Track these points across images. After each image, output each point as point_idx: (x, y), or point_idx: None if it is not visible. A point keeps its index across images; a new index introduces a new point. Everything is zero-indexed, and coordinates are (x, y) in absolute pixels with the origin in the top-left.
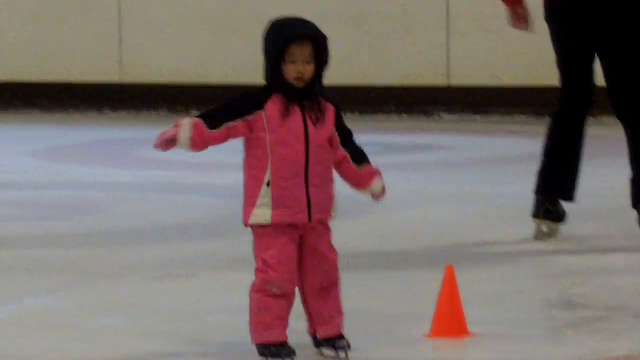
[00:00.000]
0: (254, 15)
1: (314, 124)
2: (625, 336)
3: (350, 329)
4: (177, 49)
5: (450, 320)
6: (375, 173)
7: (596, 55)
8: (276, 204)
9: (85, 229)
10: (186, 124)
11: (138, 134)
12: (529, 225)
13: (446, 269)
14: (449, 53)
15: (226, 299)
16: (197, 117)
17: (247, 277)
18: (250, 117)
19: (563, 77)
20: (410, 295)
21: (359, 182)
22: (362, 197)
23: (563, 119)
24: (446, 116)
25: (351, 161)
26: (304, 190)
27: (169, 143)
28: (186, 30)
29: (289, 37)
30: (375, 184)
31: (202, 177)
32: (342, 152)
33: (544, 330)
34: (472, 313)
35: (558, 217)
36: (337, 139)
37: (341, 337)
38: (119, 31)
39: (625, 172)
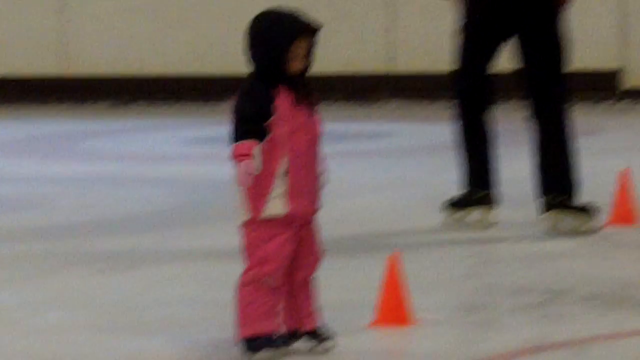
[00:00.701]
0: (195, 7)
1: (313, 114)
2: (569, 320)
3: None
4: (119, 41)
5: (394, 308)
6: None
7: (509, 39)
8: (292, 194)
9: (29, 223)
10: (257, 153)
11: (82, 126)
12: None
13: (390, 256)
14: (393, 39)
15: (171, 291)
16: (245, 137)
17: (192, 268)
18: (273, 117)
19: (465, 60)
20: (355, 283)
21: None
22: None
23: (467, 108)
24: (391, 103)
25: None
26: (313, 180)
27: (250, 174)
28: (128, 23)
29: (295, 31)
30: None
31: (143, 170)
32: None
33: (488, 315)
34: (416, 300)
35: (490, 201)
36: None
37: (323, 327)
38: (61, 24)
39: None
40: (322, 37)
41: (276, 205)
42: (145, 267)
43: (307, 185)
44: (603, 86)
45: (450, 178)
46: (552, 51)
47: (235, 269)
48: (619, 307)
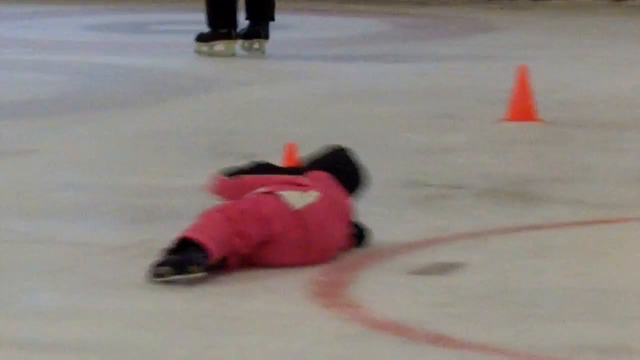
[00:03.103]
0: None
1: None
2: (466, 213)
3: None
4: None
5: None
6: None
7: None
8: None
9: None
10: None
11: None
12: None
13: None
14: None
15: (70, 175)
16: None
17: (90, 153)
18: None
19: None
20: None
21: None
22: None
23: None
24: None
25: None
26: None
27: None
28: None
29: None
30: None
31: (42, 55)
32: None
33: (386, 208)
34: None
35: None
36: None
37: None
38: None
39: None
40: None
41: None
42: (42, 150)
43: None
44: None
45: (351, 70)
46: None
47: (132, 154)
48: (516, 201)
